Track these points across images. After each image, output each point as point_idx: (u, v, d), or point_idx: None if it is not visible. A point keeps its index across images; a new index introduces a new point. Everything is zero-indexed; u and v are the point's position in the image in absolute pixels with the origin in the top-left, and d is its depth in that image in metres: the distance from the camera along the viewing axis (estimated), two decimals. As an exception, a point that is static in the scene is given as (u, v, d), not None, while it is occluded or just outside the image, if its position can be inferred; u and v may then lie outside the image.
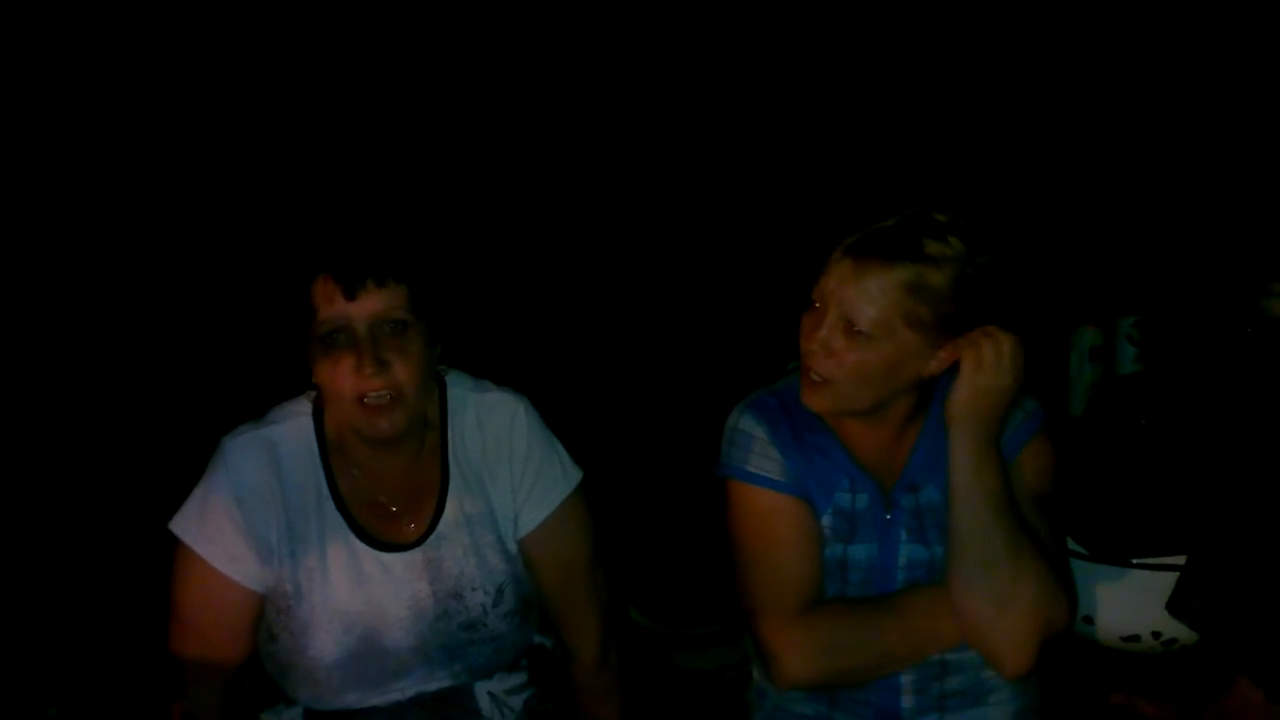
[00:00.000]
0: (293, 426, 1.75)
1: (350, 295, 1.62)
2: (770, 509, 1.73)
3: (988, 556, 1.60)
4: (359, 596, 1.72)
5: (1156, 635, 2.11)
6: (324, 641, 1.71)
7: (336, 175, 3.22)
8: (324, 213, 1.74)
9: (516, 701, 1.86)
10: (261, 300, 1.75)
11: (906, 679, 1.72)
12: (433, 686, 1.79)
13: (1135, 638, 2.14)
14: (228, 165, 3.26)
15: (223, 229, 3.21)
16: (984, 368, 1.63)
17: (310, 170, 3.22)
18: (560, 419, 1.90)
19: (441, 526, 1.77)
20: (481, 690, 1.83)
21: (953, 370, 1.67)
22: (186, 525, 1.69)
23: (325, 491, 1.74)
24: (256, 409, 1.80)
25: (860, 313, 1.60)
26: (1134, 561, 2.11)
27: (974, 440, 1.63)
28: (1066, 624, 1.65)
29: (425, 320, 1.69)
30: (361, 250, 1.66)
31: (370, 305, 1.63)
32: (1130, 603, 2.13)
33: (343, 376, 1.63)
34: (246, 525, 1.68)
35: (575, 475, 1.87)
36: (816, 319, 1.65)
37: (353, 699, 1.75)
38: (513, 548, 1.82)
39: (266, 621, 1.74)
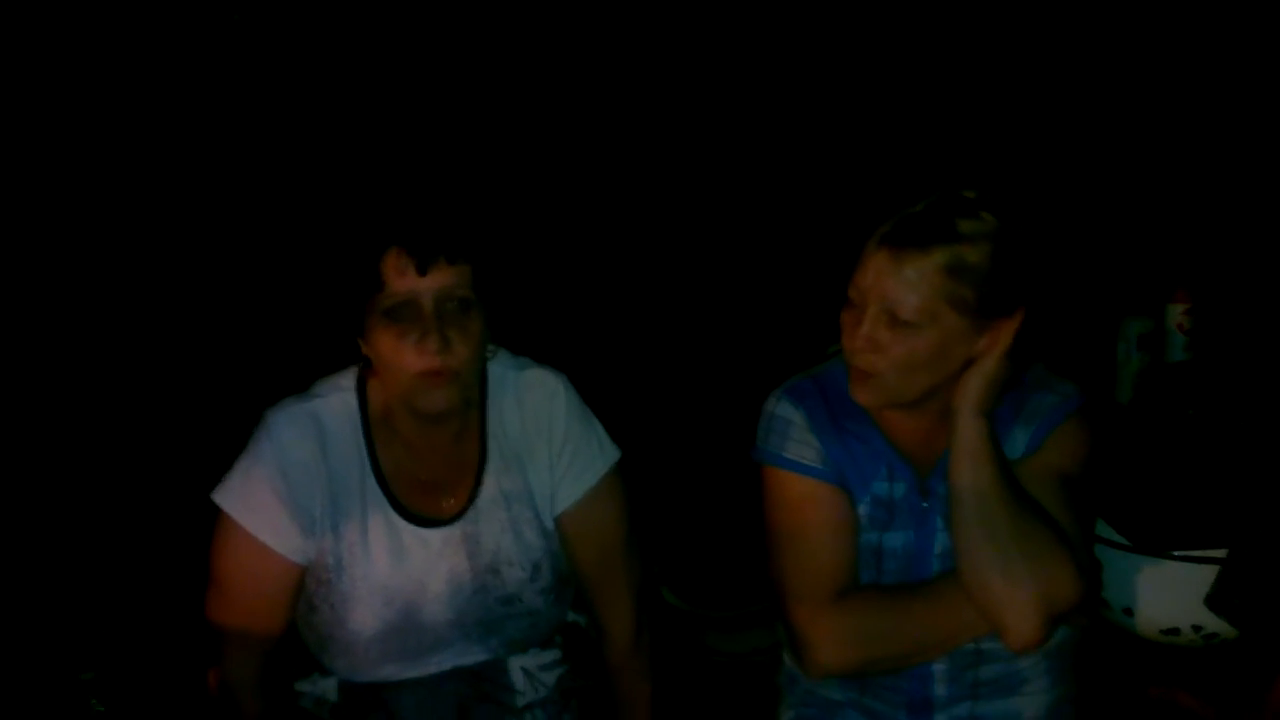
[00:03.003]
0: (336, 401, 1.76)
1: (422, 270, 1.63)
2: (806, 496, 1.72)
3: (990, 525, 1.59)
4: (399, 571, 1.74)
5: (1197, 629, 2.09)
6: (363, 615, 1.72)
7: (411, 153, 3.25)
8: (401, 187, 1.75)
9: (549, 677, 1.88)
10: (317, 273, 1.75)
11: (939, 667, 1.71)
12: (468, 660, 1.80)
13: (1175, 631, 2.11)
14: (300, 137, 3.29)
15: (283, 203, 3.24)
16: (999, 362, 1.64)
17: (385, 147, 3.25)
18: (599, 398, 1.90)
19: (479, 502, 1.78)
20: (515, 665, 1.84)
21: None
22: (230, 497, 1.71)
23: (368, 466, 1.75)
24: (301, 382, 1.81)
25: (903, 302, 1.58)
26: (1176, 554, 2.09)
27: (980, 423, 1.63)
28: (1075, 602, 1.62)
29: (485, 301, 1.70)
30: (438, 226, 1.66)
31: (439, 281, 1.64)
32: (1171, 595, 2.11)
33: (406, 351, 1.63)
34: (290, 498, 1.70)
35: (613, 453, 1.87)
36: (857, 315, 1.63)
37: (389, 671, 1.77)
38: (549, 525, 1.83)
39: (306, 593, 1.76)
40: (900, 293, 1.58)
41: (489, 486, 1.79)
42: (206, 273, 3.21)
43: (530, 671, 1.85)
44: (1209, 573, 1.94)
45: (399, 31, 3.35)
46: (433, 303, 1.64)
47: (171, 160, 3.22)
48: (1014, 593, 1.59)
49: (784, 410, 1.77)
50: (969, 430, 1.63)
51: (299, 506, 1.70)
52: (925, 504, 1.72)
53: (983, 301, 1.60)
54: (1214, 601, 1.91)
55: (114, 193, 3.17)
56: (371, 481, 1.74)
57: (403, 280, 1.63)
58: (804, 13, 3.39)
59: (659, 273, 3.45)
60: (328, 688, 1.82)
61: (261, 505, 1.69)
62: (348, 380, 1.79)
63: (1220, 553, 1.97)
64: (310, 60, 3.30)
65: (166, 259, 3.19)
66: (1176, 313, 2.56)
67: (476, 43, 3.41)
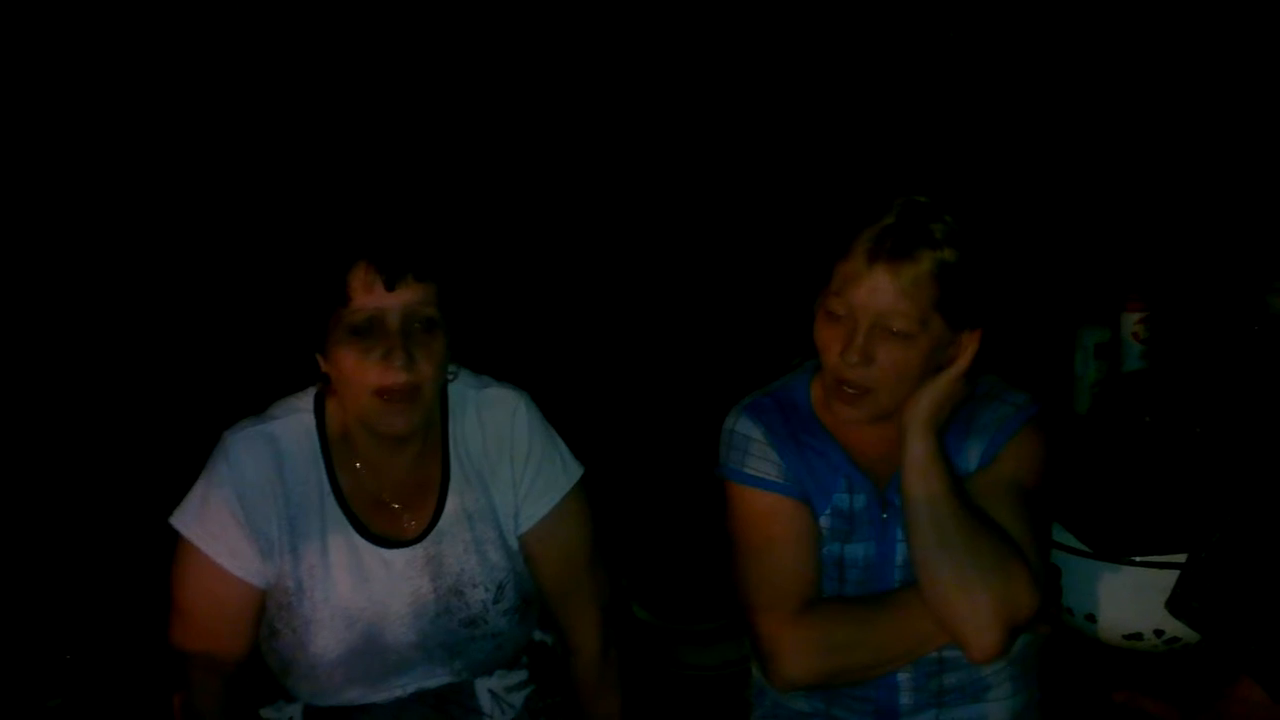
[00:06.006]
0: (294, 422, 1.76)
1: (390, 286, 1.62)
2: (768, 510, 1.74)
3: (944, 539, 1.61)
4: (360, 593, 1.73)
5: (1159, 634, 2.11)
6: (326, 638, 1.71)
7: (379, 169, 3.25)
8: (372, 202, 1.75)
9: (517, 699, 1.87)
10: (282, 285, 1.74)
11: (904, 676, 1.73)
12: (433, 683, 1.79)
13: (1138, 636, 2.13)
14: (271, 150, 3.28)
15: (251, 213, 3.23)
16: (956, 380, 1.67)
17: (351, 162, 3.25)
18: (562, 415, 1.90)
19: (442, 523, 1.77)
20: (482, 687, 1.83)
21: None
22: (187, 520, 1.70)
23: (327, 487, 1.74)
24: (258, 403, 1.80)
25: (898, 314, 1.60)
26: (1137, 559, 2.11)
27: (929, 439, 1.65)
28: (1033, 612, 1.64)
29: (449, 320, 1.70)
30: (407, 243, 1.66)
31: (406, 298, 1.63)
32: (1133, 601, 2.12)
33: (368, 367, 1.63)
34: (248, 520, 1.69)
35: (576, 471, 1.87)
36: (844, 331, 1.64)
37: (353, 695, 1.76)
38: (513, 544, 1.83)
39: (268, 618, 1.75)
40: (897, 304, 1.60)
41: (452, 506, 1.78)
42: (165, 285, 3.19)
43: (497, 693, 1.84)
44: (1170, 578, 1.95)
45: (373, 50, 3.36)
46: (399, 320, 1.63)
47: (138, 167, 3.21)
48: (971, 605, 1.61)
49: (743, 427, 1.79)
50: (918, 446, 1.65)
51: (256, 529, 1.69)
52: (884, 515, 1.74)
53: (958, 304, 1.63)
54: (1174, 605, 1.93)
55: (85, 199, 3.16)
56: (331, 502, 1.73)
57: (369, 296, 1.62)
58: (746, 44, 3.43)
59: (621, 289, 3.46)
60: (293, 713, 1.81)
61: (219, 529, 1.69)
62: (305, 401, 1.78)
63: (1180, 558, 1.98)
64: (284, 75, 3.30)
65: (122, 268, 3.18)
66: (1132, 321, 2.59)
67: (444, 65, 3.43)
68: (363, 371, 1.63)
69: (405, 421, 1.66)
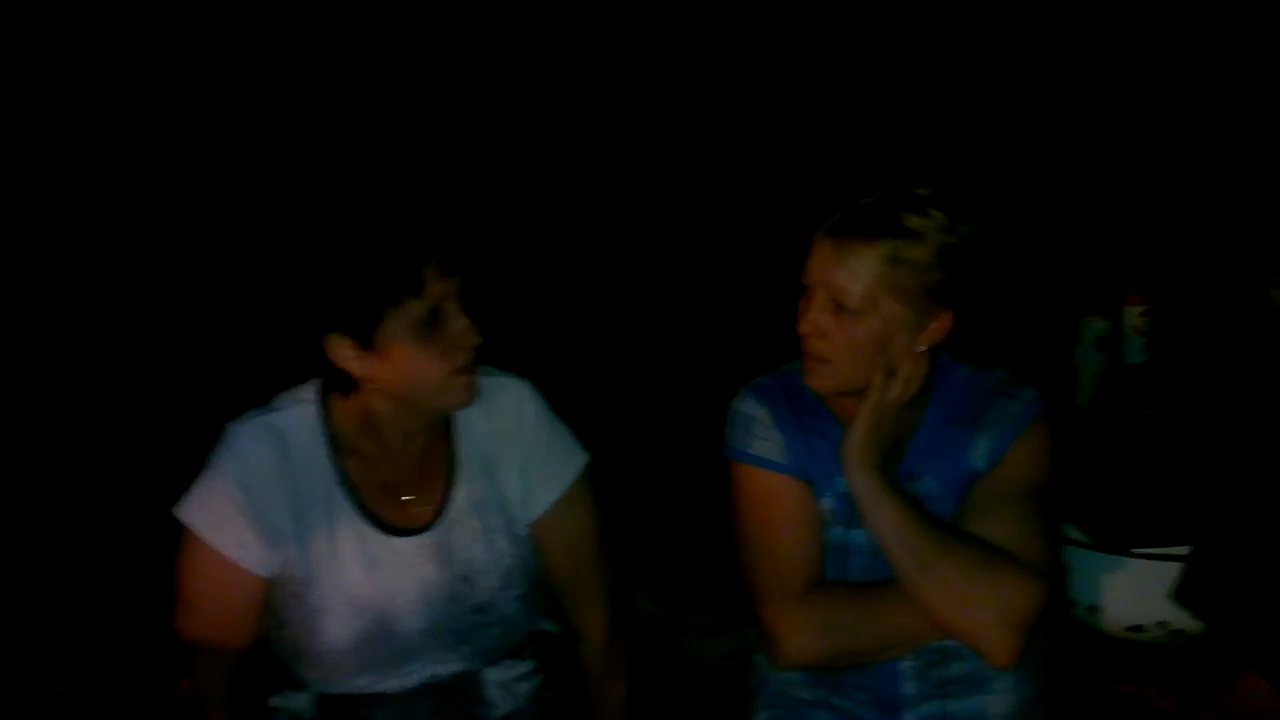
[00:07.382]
0: (298, 413, 1.76)
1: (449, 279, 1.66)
2: (771, 490, 1.75)
3: (919, 561, 1.62)
4: (370, 581, 1.73)
5: (1162, 625, 2.12)
6: (335, 626, 1.72)
7: (396, 166, 3.27)
8: (434, 199, 1.76)
9: (523, 689, 1.88)
10: (321, 291, 1.74)
11: (907, 665, 1.73)
12: (442, 670, 1.80)
13: (1140, 628, 2.14)
14: (274, 151, 3.30)
15: (256, 216, 3.24)
16: (877, 410, 1.67)
17: (361, 159, 3.26)
18: (567, 406, 1.91)
19: (451, 511, 1.78)
20: (490, 679, 1.84)
21: (944, 360, 1.74)
22: (193, 512, 1.70)
23: (333, 477, 1.74)
24: (262, 397, 1.80)
25: (845, 291, 1.63)
26: (1139, 551, 2.12)
27: (869, 473, 1.67)
28: (1039, 609, 1.63)
29: (467, 311, 1.71)
30: (460, 237, 1.69)
31: (450, 290, 1.66)
32: (1136, 593, 2.14)
33: (435, 357, 1.65)
34: (253, 511, 1.69)
35: (582, 459, 1.88)
36: (807, 301, 1.68)
37: (363, 682, 1.77)
38: (521, 531, 1.84)
39: (276, 608, 1.75)
40: (844, 281, 1.63)
41: (460, 495, 1.79)
42: (176, 285, 3.21)
43: (504, 684, 1.85)
44: (1170, 570, 1.97)
45: (379, 47, 3.38)
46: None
47: (159, 166, 3.24)
48: (972, 618, 1.62)
49: (749, 407, 1.80)
50: (859, 483, 1.67)
51: (262, 519, 1.69)
52: (889, 501, 1.74)
53: (927, 291, 1.64)
54: (1181, 595, 1.94)
55: (91, 199, 3.17)
56: (339, 492, 1.74)
57: (441, 286, 1.65)
58: (751, 38, 3.44)
59: (627, 278, 3.47)
60: (302, 702, 1.82)
61: (224, 520, 1.69)
62: (307, 393, 1.78)
63: (1182, 550, 2.00)
64: (294, 75, 3.31)
65: (134, 266, 3.19)
66: (1133, 314, 2.60)
67: (450, 61, 3.45)
68: (431, 362, 1.65)
69: (470, 391, 1.70)
